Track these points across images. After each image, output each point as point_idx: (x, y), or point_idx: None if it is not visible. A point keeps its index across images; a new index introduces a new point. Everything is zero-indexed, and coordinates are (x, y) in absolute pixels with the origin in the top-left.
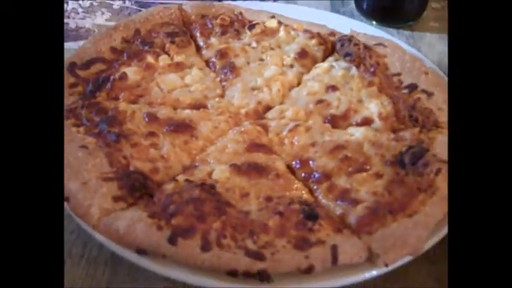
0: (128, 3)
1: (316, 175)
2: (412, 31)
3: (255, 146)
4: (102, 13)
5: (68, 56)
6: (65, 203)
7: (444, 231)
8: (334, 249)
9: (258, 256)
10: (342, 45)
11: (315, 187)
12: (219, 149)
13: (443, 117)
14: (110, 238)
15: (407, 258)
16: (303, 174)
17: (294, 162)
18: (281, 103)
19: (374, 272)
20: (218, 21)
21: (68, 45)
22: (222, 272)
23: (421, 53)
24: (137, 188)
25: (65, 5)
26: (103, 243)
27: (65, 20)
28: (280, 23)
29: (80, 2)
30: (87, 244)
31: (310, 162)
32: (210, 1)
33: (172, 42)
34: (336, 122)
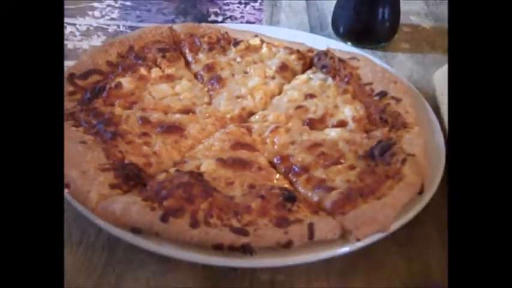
0: (122, 28)
1: (296, 169)
2: (384, 51)
3: (239, 145)
4: (98, 36)
5: (67, 68)
6: (66, 189)
7: (410, 214)
8: (310, 226)
9: (242, 232)
10: (319, 58)
11: (294, 179)
12: (206, 147)
13: (410, 118)
14: (107, 220)
15: (377, 236)
16: (283, 169)
17: (275, 159)
18: (263, 109)
19: (347, 248)
20: (205, 39)
21: (67, 63)
22: (209, 247)
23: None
24: (132, 177)
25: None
26: (100, 227)
27: (64, 42)
28: (262, 41)
29: (78, 26)
30: (85, 231)
31: (290, 158)
32: (198, 23)
33: (164, 57)
34: (314, 124)
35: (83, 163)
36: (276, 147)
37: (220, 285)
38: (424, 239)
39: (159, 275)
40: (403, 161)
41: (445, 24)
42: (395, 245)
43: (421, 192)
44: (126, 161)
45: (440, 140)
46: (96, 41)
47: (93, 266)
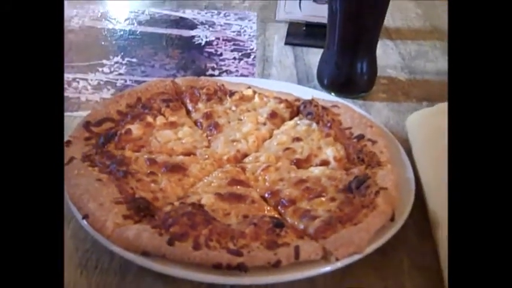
0: (129, 82)
1: (284, 201)
2: (364, 100)
3: (234, 182)
4: (108, 89)
5: (83, 117)
6: (85, 220)
7: (384, 239)
8: (296, 248)
9: (237, 253)
10: (305, 106)
11: (282, 211)
12: (206, 184)
13: (383, 158)
14: (121, 245)
15: (355, 257)
16: (273, 202)
17: (266, 194)
18: (256, 151)
19: (329, 267)
20: (204, 90)
21: (82, 113)
22: (209, 267)
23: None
24: (142, 209)
25: (76, 83)
26: (114, 252)
27: (77, 95)
28: (255, 92)
29: (89, 81)
30: (100, 258)
31: (279, 192)
32: (197, 76)
33: (167, 106)
34: (300, 164)
35: (99, 197)
36: (267, 183)
37: None
38: (397, 261)
39: None
40: (376, 193)
41: (419, 76)
42: (372, 267)
43: (392, 219)
44: (136, 196)
45: (410, 176)
46: (106, 93)
47: (107, 287)
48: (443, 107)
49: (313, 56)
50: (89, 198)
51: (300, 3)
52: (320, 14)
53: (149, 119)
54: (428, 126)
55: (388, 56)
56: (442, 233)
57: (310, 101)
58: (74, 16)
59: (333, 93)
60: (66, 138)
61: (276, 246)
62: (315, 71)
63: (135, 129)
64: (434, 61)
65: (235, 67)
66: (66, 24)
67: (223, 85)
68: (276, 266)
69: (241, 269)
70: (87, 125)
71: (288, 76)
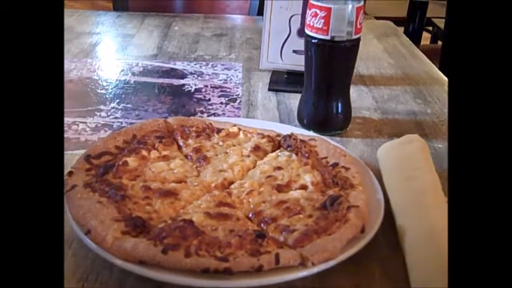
0: (124, 124)
1: (266, 219)
2: (341, 137)
3: (221, 204)
4: (105, 131)
5: (84, 152)
6: (87, 235)
7: (355, 248)
8: (277, 255)
9: (224, 259)
10: (285, 140)
11: (265, 227)
12: (196, 206)
13: (356, 181)
14: (120, 255)
15: (330, 263)
16: (256, 221)
17: (250, 214)
18: (241, 179)
19: (305, 272)
20: (194, 128)
21: (80, 152)
22: (199, 272)
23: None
24: (138, 226)
25: (76, 126)
26: (113, 265)
27: (77, 136)
28: (240, 129)
29: (88, 124)
30: (100, 272)
31: (262, 212)
32: (187, 117)
33: (160, 142)
34: (281, 188)
35: (100, 216)
36: (251, 205)
37: None
38: (369, 270)
39: None
40: (348, 208)
41: (390, 116)
42: (346, 274)
43: (363, 231)
44: (133, 215)
45: (380, 197)
46: (104, 134)
47: None
48: (408, 138)
49: (295, 100)
50: (91, 216)
51: (281, 53)
52: (299, 62)
53: (144, 152)
54: (396, 154)
55: (363, 99)
56: (407, 243)
57: (290, 135)
58: (72, 69)
59: (311, 131)
60: (68, 170)
61: (259, 253)
62: (296, 113)
63: (131, 161)
64: (405, 103)
65: (222, 110)
66: (65, 75)
67: (211, 124)
68: (258, 270)
69: (227, 273)
70: (87, 157)
71: (270, 117)
